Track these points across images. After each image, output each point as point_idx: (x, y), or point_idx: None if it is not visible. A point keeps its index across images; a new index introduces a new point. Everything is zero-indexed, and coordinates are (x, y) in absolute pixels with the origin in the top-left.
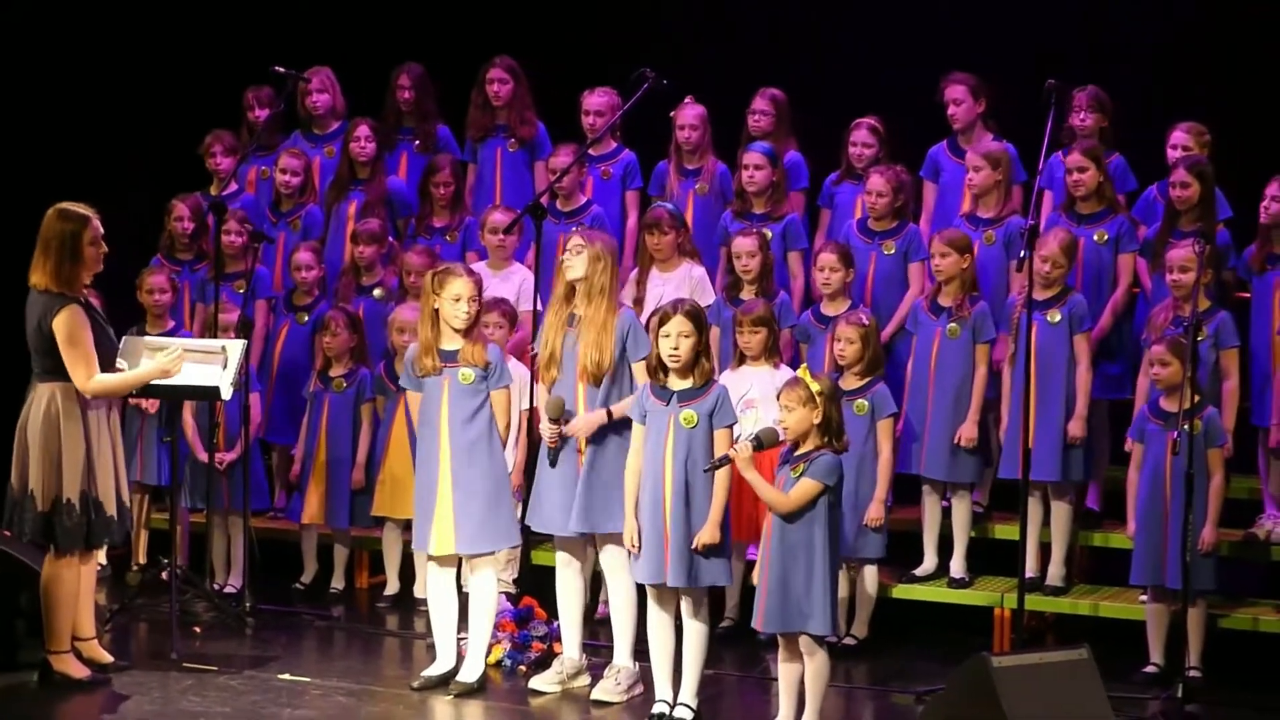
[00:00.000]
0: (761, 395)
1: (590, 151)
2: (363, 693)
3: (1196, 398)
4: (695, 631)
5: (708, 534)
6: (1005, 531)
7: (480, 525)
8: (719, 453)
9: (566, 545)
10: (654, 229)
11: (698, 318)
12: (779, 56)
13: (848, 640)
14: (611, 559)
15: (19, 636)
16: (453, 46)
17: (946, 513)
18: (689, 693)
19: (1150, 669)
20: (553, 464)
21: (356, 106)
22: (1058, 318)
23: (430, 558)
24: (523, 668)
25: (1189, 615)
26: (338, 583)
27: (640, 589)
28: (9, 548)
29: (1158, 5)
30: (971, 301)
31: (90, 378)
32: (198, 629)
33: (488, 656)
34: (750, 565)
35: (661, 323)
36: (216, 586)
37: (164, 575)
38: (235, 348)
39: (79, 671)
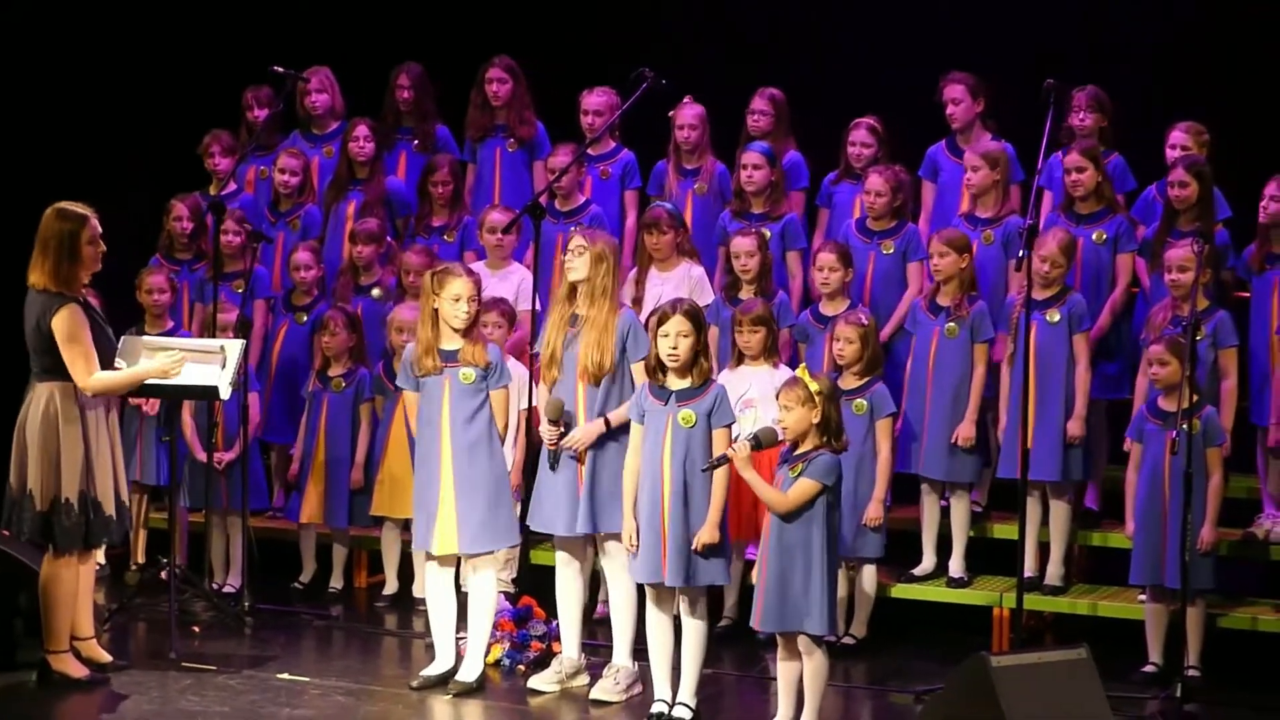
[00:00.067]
0: (760, 395)
1: (589, 151)
2: (361, 692)
3: (1195, 397)
4: (694, 631)
5: (707, 534)
6: (1004, 531)
7: (482, 524)
8: (717, 452)
9: (566, 545)
10: (653, 228)
11: (696, 317)
12: (779, 56)
13: (846, 640)
14: (612, 559)
15: (18, 636)
16: (452, 46)
17: (945, 512)
18: (688, 692)
19: (1149, 668)
20: (553, 467)
21: (355, 106)
22: (1057, 317)
23: (429, 557)
24: (521, 667)
25: (1188, 615)
26: (336, 582)
27: (640, 588)
28: (8, 547)
29: (1158, 5)
30: (970, 301)
31: (90, 375)
32: (196, 628)
33: (486, 656)
34: (750, 565)
35: (660, 322)
36: (215, 586)
37: (163, 575)
38: (234, 347)
39: (78, 671)
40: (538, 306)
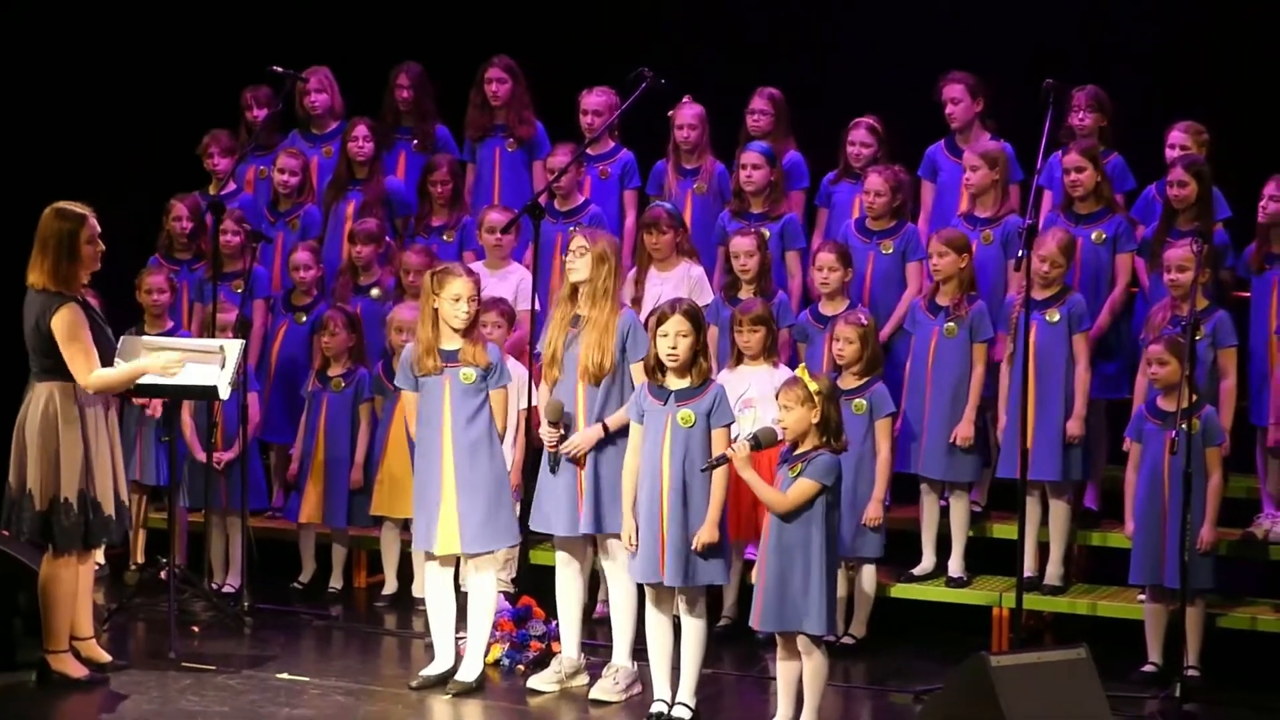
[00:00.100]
0: (760, 394)
1: (588, 151)
2: (361, 692)
3: (1194, 397)
4: (693, 630)
5: (706, 533)
6: (1003, 531)
7: (483, 524)
8: (717, 452)
9: (566, 545)
10: (652, 228)
11: (695, 317)
12: (779, 56)
13: (846, 639)
14: (614, 559)
15: (17, 636)
16: (451, 46)
17: (945, 512)
18: (687, 692)
19: (1148, 668)
20: (553, 470)
21: (355, 106)
22: (1056, 317)
23: (429, 557)
24: (521, 667)
25: (1187, 614)
26: (336, 582)
27: (639, 588)
28: (7, 547)
29: (1158, 5)
30: (969, 301)
31: (91, 372)
32: (196, 628)
33: (486, 656)
34: (749, 564)
35: (659, 322)
36: (215, 586)
37: (162, 575)
38: (233, 347)
39: (77, 671)
40: (537, 306)
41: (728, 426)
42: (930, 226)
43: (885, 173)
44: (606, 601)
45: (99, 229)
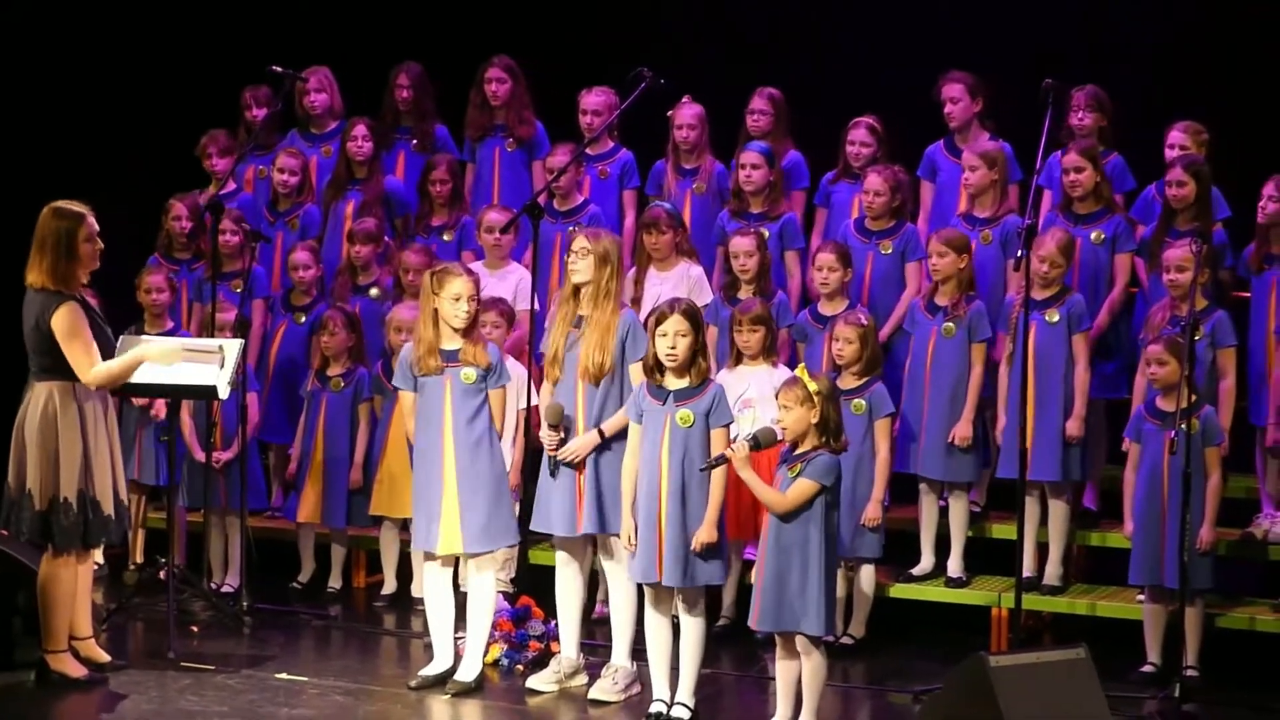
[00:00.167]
0: (759, 394)
1: (588, 151)
2: (360, 692)
3: (1193, 397)
4: (692, 630)
5: (705, 533)
6: (1002, 531)
7: (485, 524)
8: (715, 452)
9: (566, 545)
10: (652, 228)
11: (694, 317)
12: (779, 56)
13: (845, 640)
14: (615, 559)
15: (16, 635)
16: (451, 46)
17: (944, 512)
18: (686, 692)
19: (1147, 668)
20: (553, 474)
21: (355, 106)
22: (1056, 317)
23: (428, 557)
24: (520, 667)
25: (1186, 614)
26: (335, 582)
27: (639, 588)
28: (6, 547)
29: (1158, 5)
30: (967, 301)
31: (92, 368)
32: (195, 628)
33: (485, 656)
34: (749, 564)
35: (658, 322)
36: (214, 586)
37: (161, 574)
38: (232, 347)
39: (76, 671)
40: (536, 306)
41: (726, 426)
42: (929, 226)
43: (885, 173)
44: (605, 601)
45: (97, 228)
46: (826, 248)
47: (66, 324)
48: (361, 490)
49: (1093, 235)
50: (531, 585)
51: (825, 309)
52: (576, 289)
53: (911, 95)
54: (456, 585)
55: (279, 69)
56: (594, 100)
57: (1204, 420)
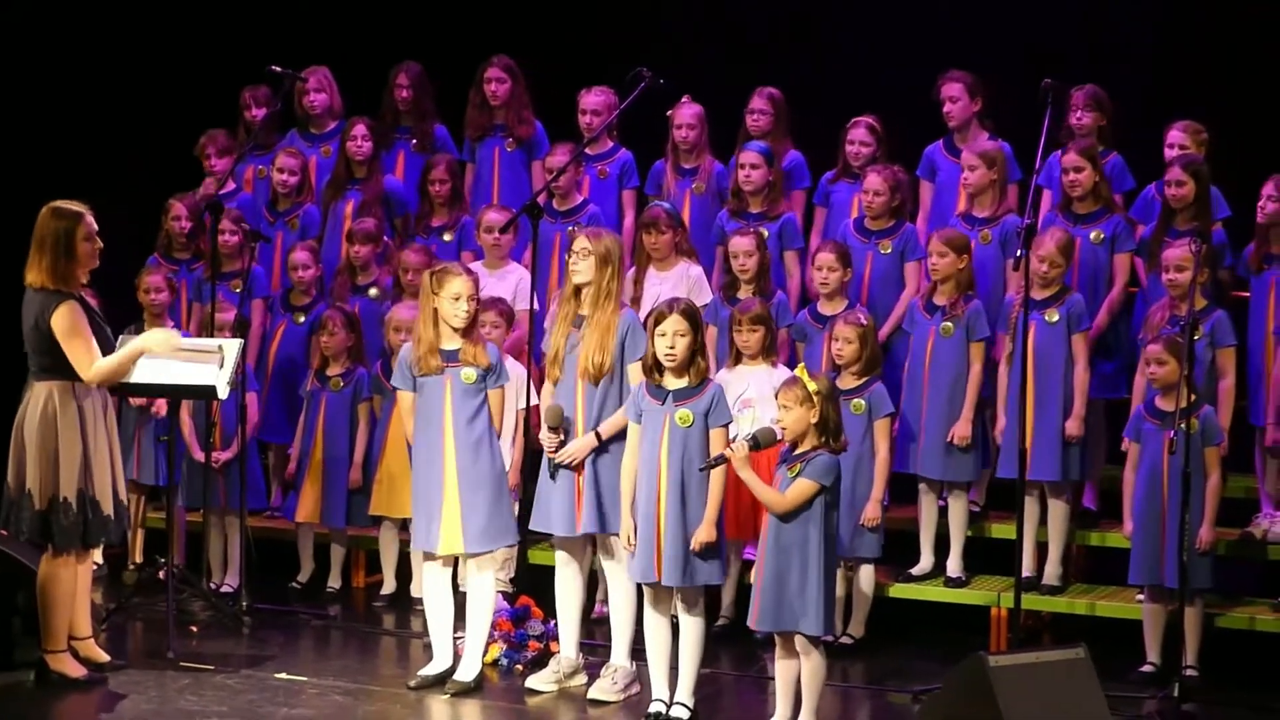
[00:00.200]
0: (759, 394)
1: (587, 151)
2: (359, 692)
3: (1193, 397)
4: (691, 630)
5: (704, 532)
6: (1002, 531)
7: (486, 524)
8: (715, 452)
9: (566, 545)
10: (651, 228)
11: (693, 317)
12: (778, 56)
13: (844, 639)
14: (615, 558)
15: (16, 635)
16: (451, 46)
17: (943, 512)
18: (685, 691)
19: (1147, 668)
20: (553, 477)
21: (354, 106)
22: (1056, 317)
23: (428, 557)
24: (519, 667)
25: (1186, 614)
26: (334, 582)
27: (638, 588)
28: (6, 547)
29: (1158, 5)
30: (965, 300)
31: (93, 365)
32: (194, 628)
33: (484, 656)
34: (749, 564)
35: (657, 322)
36: (213, 586)
37: (160, 574)
38: (232, 347)
39: (76, 670)
40: (536, 306)
41: (725, 426)
42: (929, 226)
43: (884, 172)
44: (605, 601)
45: (95, 227)
46: (826, 247)
47: (66, 322)
48: (361, 490)
49: (1092, 235)
50: (531, 585)
51: (825, 309)
52: (578, 289)
53: (911, 95)
54: (456, 585)
55: (278, 69)
56: (593, 100)
57: (1203, 420)
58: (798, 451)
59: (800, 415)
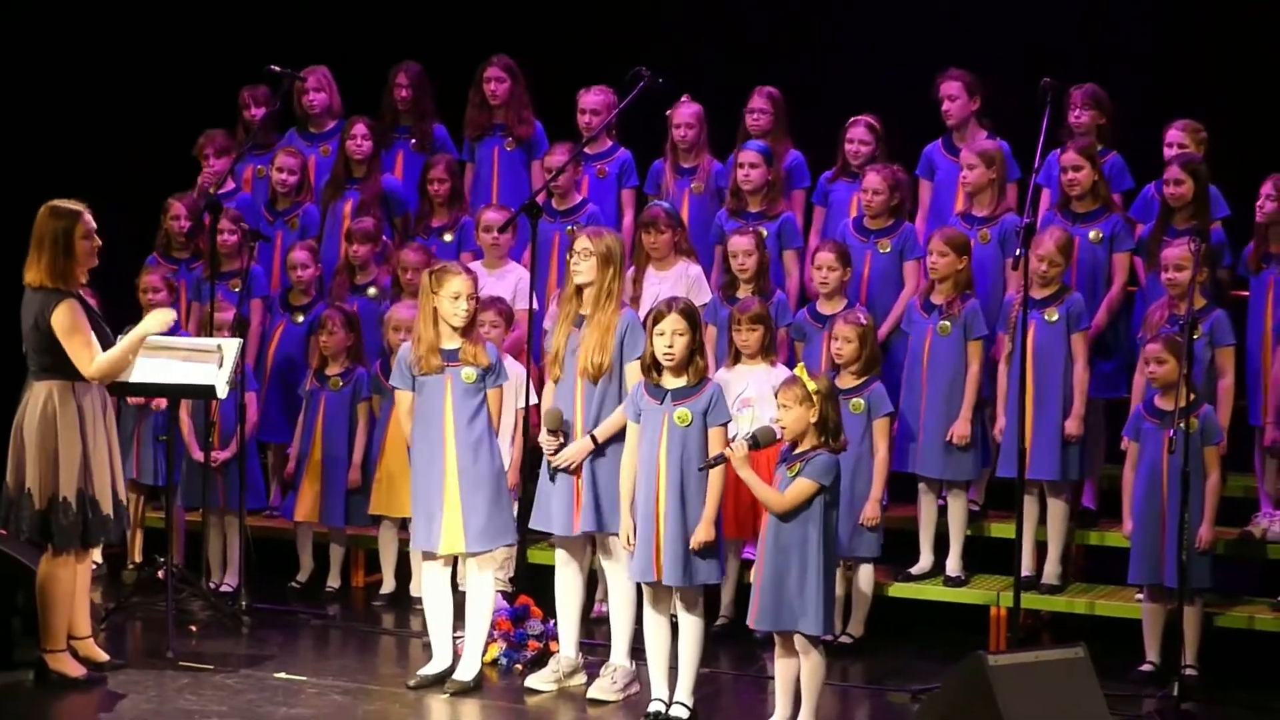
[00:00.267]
0: (758, 394)
1: (586, 150)
2: (359, 691)
3: (1192, 396)
4: (690, 629)
5: (703, 532)
6: (1001, 530)
7: (486, 523)
8: (714, 451)
9: (566, 544)
10: (650, 227)
11: (692, 316)
12: (778, 56)
13: (844, 639)
14: (614, 558)
15: (15, 635)
16: (450, 45)
17: (942, 511)
18: (685, 691)
19: (1146, 667)
20: (552, 479)
21: (354, 105)
22: (1055, 316)
23: (427, 556)
24: (519, 666)
25: (1185, 614)
26: (333, 581)
27: (638, 588)
28: (6, 546)
29: (1157, 5)
30: (963, 299)
31: (94, 360)
32: (193, 628)
33: (484, 655)
34: (748, 564)
35: (656, 321)
36: (212, 585)
37: (160, 574)
38: (231, 346)
39: (75, 670)
40: (535, 306)
41: (724, 425)
42: (928, 225)
43: (883, 171)
44: (604, 601)
45: (94, 225)
46: (825, 247)
47: (66, 320)
48: (360, 489)
49: (1091, 234)
50: (530, 584)
51: (824, 308)
52: (579, 289)
53: (910, 95)
54: (455, 584)
55: (277, 68)
56: (592, 99)
57: (1203, 419)
58: (797, 451)
59: (800, 415)
